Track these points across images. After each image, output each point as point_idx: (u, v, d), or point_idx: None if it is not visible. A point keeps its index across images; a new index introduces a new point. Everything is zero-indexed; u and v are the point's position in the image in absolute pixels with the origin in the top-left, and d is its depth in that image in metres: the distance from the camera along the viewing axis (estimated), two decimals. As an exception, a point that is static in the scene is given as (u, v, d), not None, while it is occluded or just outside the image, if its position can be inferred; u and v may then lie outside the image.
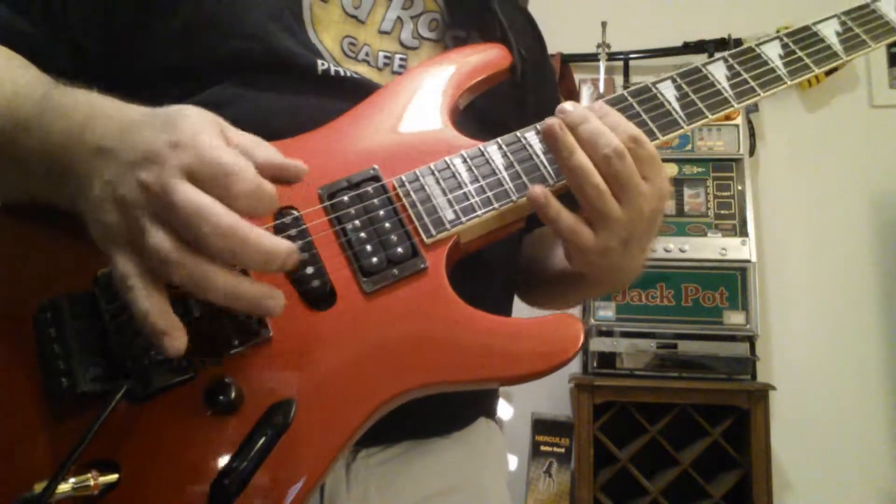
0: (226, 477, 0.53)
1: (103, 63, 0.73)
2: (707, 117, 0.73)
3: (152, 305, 0.49)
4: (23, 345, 0.57)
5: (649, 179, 0.64)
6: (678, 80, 0.75)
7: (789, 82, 0.76)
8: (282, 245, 0.50)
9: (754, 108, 2.56)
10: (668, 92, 0.74)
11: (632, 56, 2.65)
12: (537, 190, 0.63)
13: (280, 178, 0.54)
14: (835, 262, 2.54)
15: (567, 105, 0.64)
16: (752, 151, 2.48)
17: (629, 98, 0.73)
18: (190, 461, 0.54)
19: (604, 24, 2.55)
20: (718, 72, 0.76)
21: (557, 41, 2.61)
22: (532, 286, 0.91)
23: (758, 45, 0.78)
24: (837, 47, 0.79)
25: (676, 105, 0.73)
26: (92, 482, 0.51)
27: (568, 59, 2.67)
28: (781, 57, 0.77)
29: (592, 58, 2.63)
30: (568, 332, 0.61)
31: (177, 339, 0.49)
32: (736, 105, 0.74)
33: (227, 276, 0.49)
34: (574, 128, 0.63)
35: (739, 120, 2.32)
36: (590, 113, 0.64)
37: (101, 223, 0.52)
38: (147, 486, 0.54)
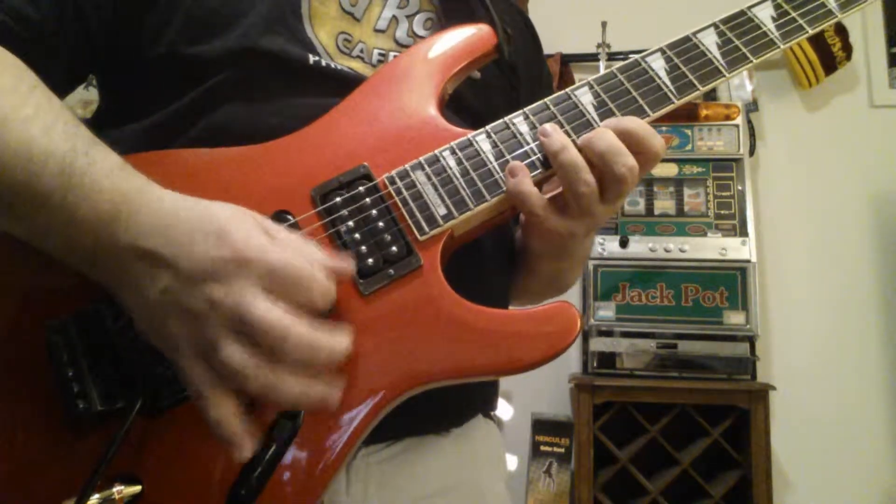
0: (241, 486, 0.54)
1: (108, 55, 0.73)
2: (698, 90, 0.71)
3: (223, 416, 0.51)
4: (37, 368, 0.58)
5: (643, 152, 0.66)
6: (667, 51, 0.73)
7: (782, 46, 0.73)
8: (344, 342, 0.53)
9: (754, 108, 2.56)
10: (658, 65, 0.72)
11: (632, 56, 2.64)
12: (516, 164, 0.65)
13: (334, 275, 0.55)
14: (835, 262, 2.54)
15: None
16: (752, 151, 2.48)
17: (618, 74, 0.72)
18: (206, 471, 0.56)
19: (604, 24, 2.56)
20: (709, 40, 0.73)
21: (557, 41, 2.61)
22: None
23: (749, 9, 0.75)
24: (832, 4, 0.76)
25: (666, 79, 0.71)
26: (117, 496, 0.53)
27: (568, 59, 2.67)
28: (774, 19, 0.75)
29: (592, 58, 2.63)
30: (566, 317, 0.61)
31: (244, 448, 0.52)
32: (728, 75, 0.72)
33: (299, 383, 0.51)
34: (589, 142, 0.64)
35: (739, 120, 2.32)
36: (604, 130, 0.65)
37: (163, 330, 0.52)
38: (168, 496, 0.55)
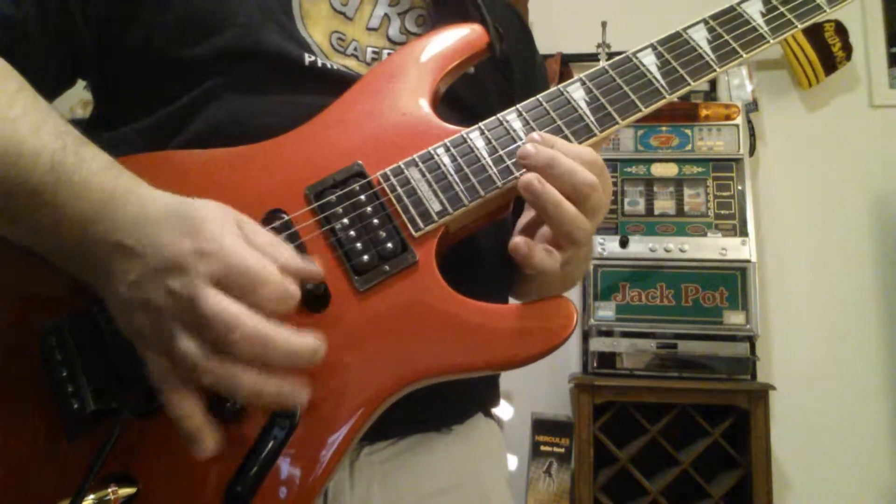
0: (238, 483, 0.54)
1: (98, 57, 0.73)
2: (689, 85, 0.72)
3: (183, 409, 0.51)
4: (31, 369, 0.58)
5: (604, 189, 0.64)
6: (658, 47, 0.73)
7: (772, 41, 0.74)
8: (307, 343, 0.51)
9: (754, 108, 2.55)
10: (649, 60, 0.72)
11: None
12: (518, 241, 0.62)
13: (300, 278, 0.54)
14: (835, 262, 2.54)
15: (529, 147, 0.63)
16: (752, 151, 2.48)
17: (609, 70, 0.72)
18: (203, 469, 0.55)
19: (604, 24, 2.55)
20: (699, 35, 0.74)
21: (557, 41, 2.61)
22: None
23: (738, 4, 0.76)
24: None
25: (658, 74, 0.71)
26: (112, 497, 0.53)
27: (568, 59, 2.67)
28: (763, 14, 0.75)
29: (592, 58, 2.63)
30: (562, 312, 0.61)
31: (204, 443, 0.51)
32: (718, 69, 0.72)
33: (252, 378, 0.50)
34: (547, 171, 0.62)
35: (739, 120, 2.31)
36: (554, 153, 0.63)
37: (131, 324, 0.53)
38: (164, 496, 0.55)
